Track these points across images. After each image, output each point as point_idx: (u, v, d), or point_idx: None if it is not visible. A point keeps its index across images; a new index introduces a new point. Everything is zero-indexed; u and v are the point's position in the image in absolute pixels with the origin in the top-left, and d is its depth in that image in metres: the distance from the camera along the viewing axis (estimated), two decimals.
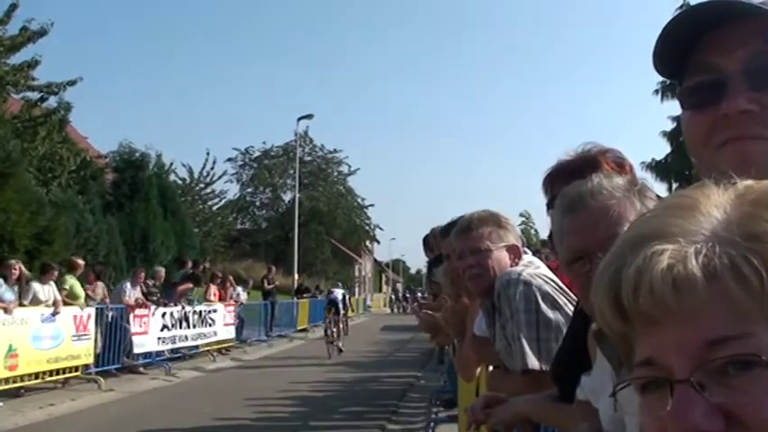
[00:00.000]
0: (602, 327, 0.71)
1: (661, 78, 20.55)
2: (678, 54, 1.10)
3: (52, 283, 12.25)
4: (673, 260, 0.62)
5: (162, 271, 16.52)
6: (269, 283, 24.63)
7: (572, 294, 2.65)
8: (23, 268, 11.99)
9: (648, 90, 21.59)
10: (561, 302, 2.60)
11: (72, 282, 12.99)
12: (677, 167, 19.36)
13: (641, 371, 0.65)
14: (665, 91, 21.28)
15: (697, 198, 0.68)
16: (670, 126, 21.30)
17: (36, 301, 11.80)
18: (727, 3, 1.05)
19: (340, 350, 19.38)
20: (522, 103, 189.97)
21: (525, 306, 2.57)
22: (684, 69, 1.11)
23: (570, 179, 1.73)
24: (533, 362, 2.50)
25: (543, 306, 2.57)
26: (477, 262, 2.82)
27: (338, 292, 22.58)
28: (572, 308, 2.59)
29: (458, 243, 2.92)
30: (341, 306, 21.32)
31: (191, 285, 17.10)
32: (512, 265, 2.80)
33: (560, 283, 2.71)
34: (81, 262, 13.71)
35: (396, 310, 62.09)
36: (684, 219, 0.66)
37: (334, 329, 19.86)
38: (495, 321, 2.75)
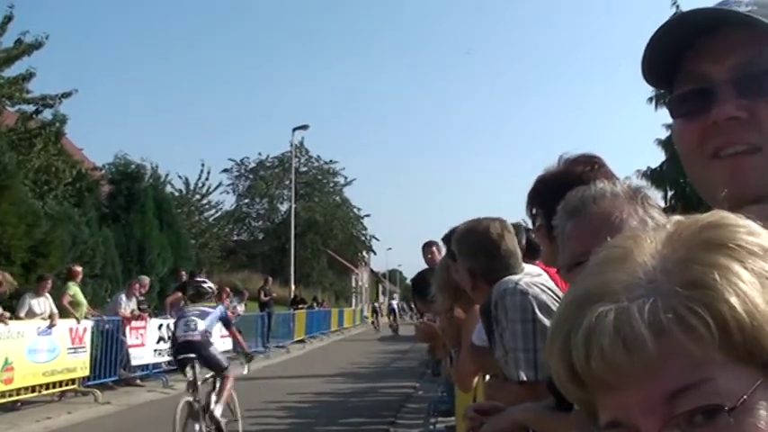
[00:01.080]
0: (564, 393, 0.70)
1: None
2: (667, 63, 1.10)
3: (47, 295, 12.21)
4: (618, 321, 0.61)
5: (146, 280, 16.36)
6: (266, 295, 24.60)
7: None
8: (8, 277, 11.98)
9: (643, 98, 21.59)
10: None
11: (75, 289, 12.98)
12: (672, 175, 19.33)
13: None
14: (659, 99, 21.31)
15: (628, 247, 0.67)
16: (665, 134, 21.33)
17: (31, 314, 11.77)
18: (715, 11, 1.05)
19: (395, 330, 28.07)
20: (518, 112, 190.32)
21: (522, 316, 2.55)
22: (673, 78, 1.11)
23: (552, 197, 1.73)
24: (528, 373, 2.49)
25: (540, 316, 2.54)
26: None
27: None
28: None
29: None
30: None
31: (180, 295, 17.03)
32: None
33: (558, 292, 2.70)
34: (80, 269, 13.70)
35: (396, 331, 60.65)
36: (622, 272, 0.65)
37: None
38: (494, 330, 2.74)
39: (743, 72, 1.04)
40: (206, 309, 8.88)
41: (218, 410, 8.27)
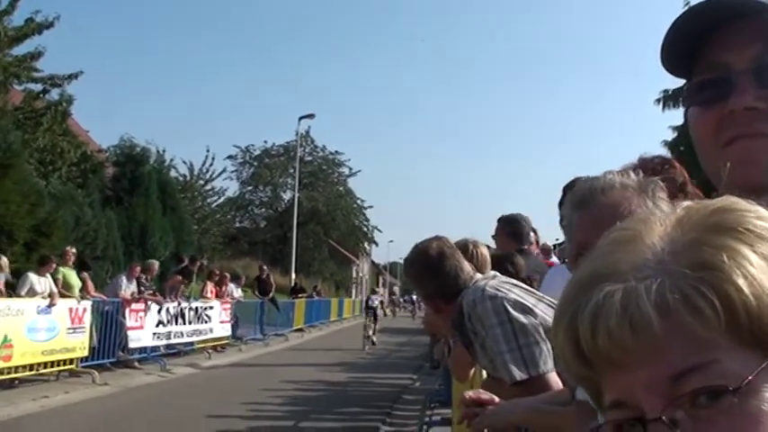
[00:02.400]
0: (566, 373, 0.70)
1: (663, 87, 20.54)
2: (687, 51, 1.09)
3: (49, 275, 12.23)
4: (626, 301, 0.61)
5: (155, 264, 16.42)
6: (268, 286, 24.50)
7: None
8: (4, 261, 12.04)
9: (650, 99, 21.57)
10: (531, 303, 2.59)
11: (65, 271, 12.97)
12: None
13: (613, 413, 0.65)
14: (666, 100, 21.29)
15: (638, 229, 0.68)
16: (671, 136, 21.31)
17: (32, 293, 11.79)
18: (736, 1, 1.04)
19: (373, 343, 24.01)
20: (523, 108, 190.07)
21: (498, 320, 2.56)
22: (692, 67, 1.10)
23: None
24: (519, 373, 2.49)
25: (514, 314, 2.55)
26: None
27: (375, 298, 27.38)
28: (545, 303, 2.60)
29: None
30: (378, 310, 26.80)
31: (179, 278, 17.06)
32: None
33: (524, 285, 2.70)
34: (73, 250, 13.67)
35: (393, 314, 61.24)
36: (630, 253, 0.65)
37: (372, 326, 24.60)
38: (473, 341, 2.73)
39: (763, 62, 1.03)
40: None
41: None
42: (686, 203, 0.70)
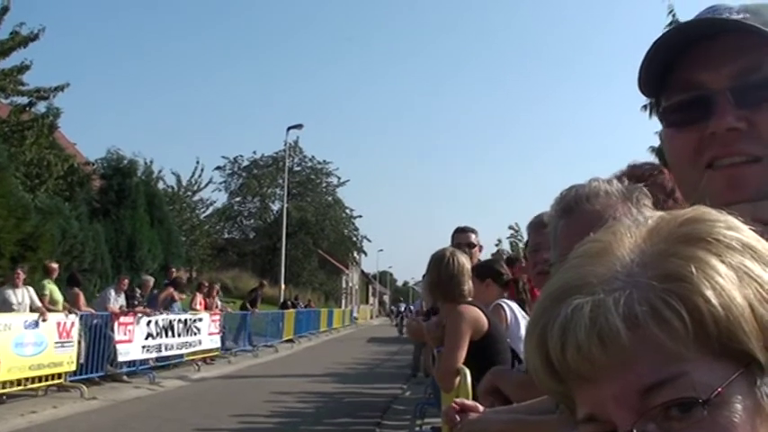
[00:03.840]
0: (540, 387, 0.69)
1: None
2: (660, 71, 1.08)
3: (29, 288, 12.14)
4: (594, 314, 0.61)
5: (150, 281, 16.39)
6: (252, 302, 24.37)
7: None
8: None
9: (637, 105, 21.66)
10: None
11: (51, 286, 12.89)
12: None
13: (585, 427, 0.64)
14: (653, 107, 21.34)
15: (608, 241, 0.67)
16: (658, 142, 21.41)
17: (8, 306, 11.66)
18: (715, 21, 1.04)
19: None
20: (511, 117, 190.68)
21: None
22: (666, 86, 1.09)
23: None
24: None
25: None
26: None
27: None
28: None
29: (536, 236, 2.91)
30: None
31: (171, 290, 16.98)
32: None
33: None
34: (55, 266, 13.57)
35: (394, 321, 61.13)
36: (600, 266, 0.65)
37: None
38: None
39: (740, 81, 1.02)
40: None
41: None
42: (659, 214, 0.69)
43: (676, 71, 1.07)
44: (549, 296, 0.67)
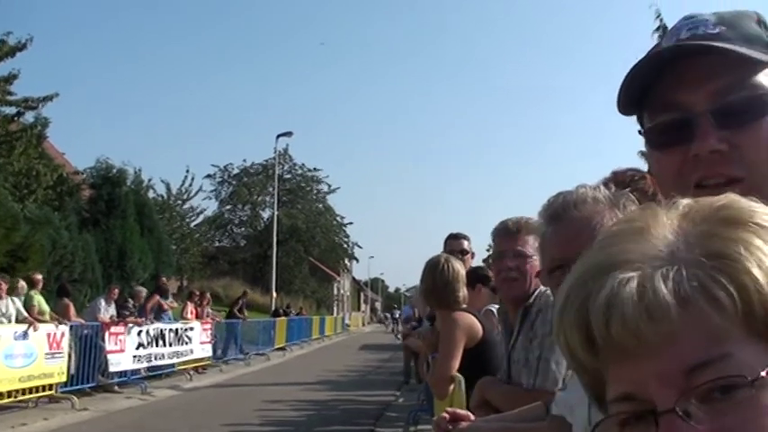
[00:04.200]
0: (571, 363, 0.69)
1: None
2: (640, 92, 1.08)
3: (14, 299, 12.07)
4: (641, 288, 0.60)
5: (143, 292, 16.29)
6: (239, 310, 24.32)
7: None
8: None
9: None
10: None
11: (38, 298, 12.84)
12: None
13: (620, 406, 0.63)
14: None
15: (646, 221, 0.67)
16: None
17: None
18: (696, 46, 1.04)
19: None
20: (503, 122, 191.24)
21: None
22: (647, 106, 1.09)
23: None
24: (555, 386, 2.50)
25: None
26: (516, 266, 2.81)
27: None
28: None
29: (501, 244, 2.90)
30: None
31: (157, 298, 16.86)
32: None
33: None
34: (39, 277, 13.49)
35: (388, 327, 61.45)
36: (639, 244, 0.64)
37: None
38: (521, 332, 2.75)
39: (721, 101, 1.02)
40: None
41: None
42: (685, 200, 0.69)
43: (656, 91, 1.07)
44: (585, 272, 0.66)
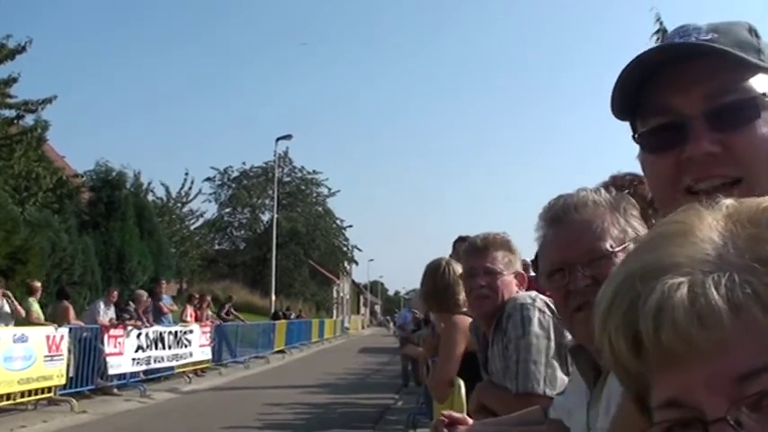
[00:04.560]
0: (614, 367, 0.67)
1: None
2: (633, 95, 1.08)
3: (4, 300, 12.14)
4: (693, 294, 0.59)
5: (144, 296, 16.23)
6: (227, 314, 24.24)
7: None
8: None
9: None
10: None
11: (36, 306, 12.88)
12: None
13: (666, 413, 0.62)
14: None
15: (691, 223, 0.65)
16: None
17: None
18: (686, 46, 1.04)
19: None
20: (503, 124, 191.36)
21: (540, 332, 2.60)
22: (639, 110, 1.09)
23: None
24: (537, 386, 2.51)
25: (553, 333, 2.60)
26: (487, 283, 2.81)
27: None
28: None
29: (470, 261, 2.91)
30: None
31: (149, 300, 16.69)
32: (517, 292, 2.82)
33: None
34: (38, 284, 13.52)
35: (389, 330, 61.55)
36: (686, 247, 0.63)
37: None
38: (494, 343, 2.76)
39: (713, 104, 1.02)
40: None
41: None
42: (727, 201, 0.67)
43: (649, 95, 1.07)
44: (630, 276, 0.64)
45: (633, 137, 1.14)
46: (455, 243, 5.37)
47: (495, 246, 2.86)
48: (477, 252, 2.90)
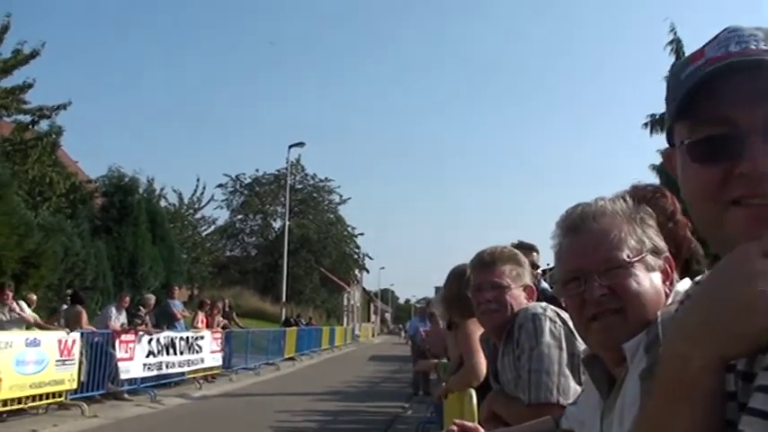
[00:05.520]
0: None
1: (650, 111, 20.50)
2: (689, 101, 1.05)
3: (23, 303, 12.26)
4: None
5: (152, 299, 16.28)
6: (227, 317, 24.00)
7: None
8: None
9: (638, 123, 21.76)
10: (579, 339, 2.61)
11: (28, 311, 12.99)
12: None
13: None
14: (654, 124, 21.49)
15: None
16: (659, 160, 21.50)
17: None
18: (754, 61, 1.01)
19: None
20: (520, 136, 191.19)
21: (552, 341, 2.60)
22: (692, 117, 1.06)
23: None
24: (550, 396, 2.52)
25: (565, 344, 2.60)
26: (495, 297, 2.82)
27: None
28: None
29: (478, 276, 2.92)
30: None
31: (152, 299, 16.58)
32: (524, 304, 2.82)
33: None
34: (34, 297, 13.71)
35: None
36: None
37: None
38: (505, 354, 2.76)
39: None
40: None
41: None
42: None
43: (704, 102, 1.04)
44: None
45: (669, 141, 1.11)
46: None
47: (502, 260, 2.87)
48: (484, 267, 2.90)
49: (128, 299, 15.19)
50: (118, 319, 14.45)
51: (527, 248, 4.72)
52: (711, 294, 0.92)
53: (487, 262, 2.89)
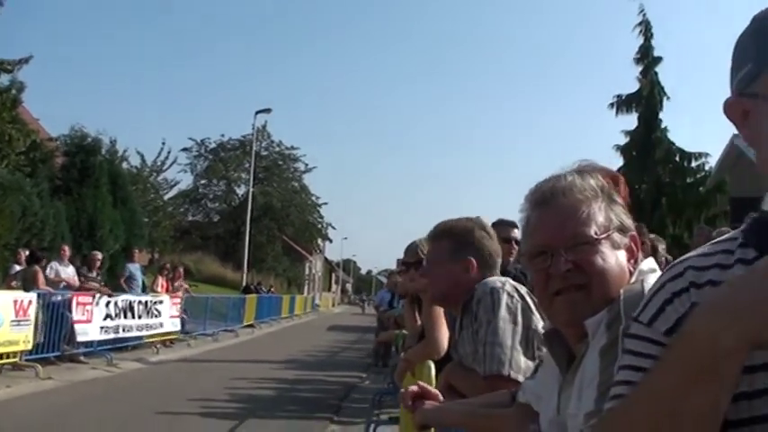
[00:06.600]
0: None
1: (616, 93, 20.67)
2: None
3: None
4: None
5: (97, 255, 15.90)
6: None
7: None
8: None
9: (603, 104, 21.91)
10: (536, 313, 2.62)
11: None
12: (629, 181, 19.81)
13: None
14: (619, 105, 21.68)
15: None
16: (623, 140, 21.72)
17: None
18: None
19: None
20: (488, 108, 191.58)
21: (507, 316, 2.60)
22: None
23: None
24: (502, 369, 2.52)
25: (520, 317, 2.61)
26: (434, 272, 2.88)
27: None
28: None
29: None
30: None
31: (98, 256, 16.39)
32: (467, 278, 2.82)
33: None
34: None
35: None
36: None
37: None
38: (464, 327, 2.77)
39: None
40: None
41: None
42: None
43: None
44: None
45: (741, 91, 1.08)
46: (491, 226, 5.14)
47: (441, 235, 2.90)
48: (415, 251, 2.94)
49: (66, 248, 15.00)
50: (65, 271, 14.26)
51: (508, 225, 4.68)
52: (759, 278, 0.90)
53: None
